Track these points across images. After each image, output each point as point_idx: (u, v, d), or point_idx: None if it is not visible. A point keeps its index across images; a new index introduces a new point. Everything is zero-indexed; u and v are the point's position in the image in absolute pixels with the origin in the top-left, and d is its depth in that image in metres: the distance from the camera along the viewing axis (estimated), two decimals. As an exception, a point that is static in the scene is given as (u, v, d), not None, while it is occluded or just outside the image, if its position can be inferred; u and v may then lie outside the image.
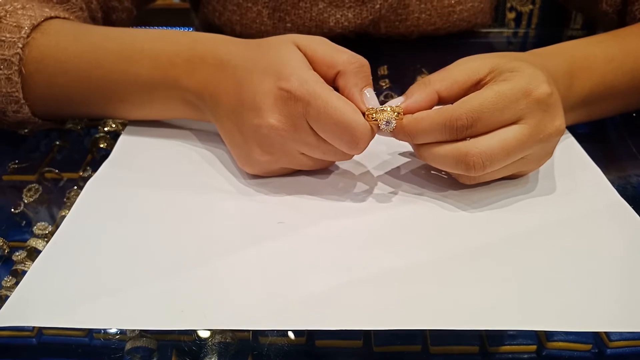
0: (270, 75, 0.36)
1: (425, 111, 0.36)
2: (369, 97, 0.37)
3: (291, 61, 0.36)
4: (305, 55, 0.37)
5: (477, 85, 0.37)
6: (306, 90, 0.35)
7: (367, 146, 0.36)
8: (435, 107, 0.37)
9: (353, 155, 0.38)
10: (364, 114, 0.36)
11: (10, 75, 0.43)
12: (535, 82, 0.36)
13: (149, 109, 0.45)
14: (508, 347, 0.30)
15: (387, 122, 0.36)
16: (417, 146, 0.38)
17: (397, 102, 0.38)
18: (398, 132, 0.37)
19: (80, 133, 0.48)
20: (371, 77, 0.38)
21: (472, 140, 0.35)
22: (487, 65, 0.37)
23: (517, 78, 0.36)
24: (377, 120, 0.36)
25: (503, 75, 0.36)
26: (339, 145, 0.36)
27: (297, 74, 0.36)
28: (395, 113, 0.36)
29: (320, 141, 0.36)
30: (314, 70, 0.37)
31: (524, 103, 0.35)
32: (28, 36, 0.43)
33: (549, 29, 0.74)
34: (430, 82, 0.38)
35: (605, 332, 0.30)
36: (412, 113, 0.37)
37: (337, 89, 0.37)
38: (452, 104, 0.36)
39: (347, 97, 0.37)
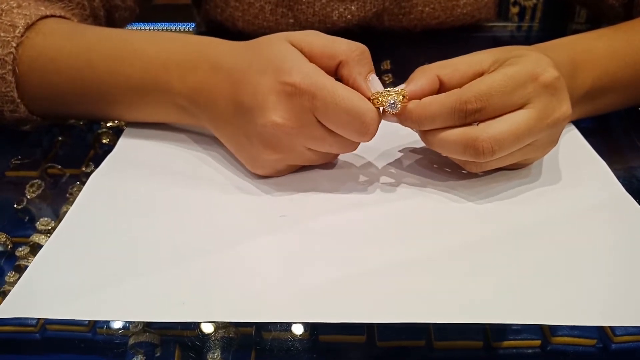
0: (269, 72, 0.36)
1: (432, 96, 0.36)
2: (374, 83, 0.37)
3: (288, 56, 0.36)
4: (301, 51, 0.37)
5: (479, 77, 0.37)
6: (310, 83, 0.34)
7: (375, 133, 0.36)
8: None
9: (357, 147, 0.38)
10: (369, 100, 0.36)
11: (4, 75, 0.43)
12: (542, 66, 0.35)
13: (141, 112, 0.44)
14: (512, 342, 0.30)
15: (391, 104, 0.36)
16: (424, 132, 0.37)
17: (398, 88, 0.37)
18: (405, 118, 0.37)
19: (82, 129, 0.48)
20: (372, 63, 0.38)
21: (482, 124, 0.35)
22: (490, 58, 0.37)
23: (524, 62, 0.36)
24: (383, 104, 0.36)
25: (508, 60, 0.36)
26: (348, 135, 0.36)
27: (298, 67, 0.35)
28: (400, 96, 0.36)
29: (327, 134, 0.36)
30: (314, 63, 0.37)
31: (532, 87, 0.35)
32: (22, 35, 0.43)
33: (553, 24, 0.74)
34: (431, 68, 0.38)
35: (610, 327, 0.30)
36: (416, 98, 0.37)
37: (339, 80, 0.37)
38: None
39: (352, 86, 0.36)
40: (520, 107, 0.35)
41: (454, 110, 0.35)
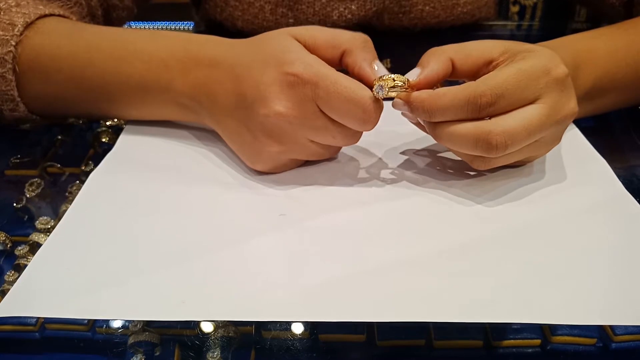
0: (272, 64, 0.36)
1: (446, 87, 0.36)
2: (379, 70, 0.37)
3: (291, 48, 0.36)
4: (305, 44, 0.37)
5: (489, 65, 0.37)
6: (313, 73, 0.35)
7: (377, 121, 0.36)
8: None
9: (359, 139, 0.38)
10: (371, 87, 0.36)
11: (4, 74, 0.43)
12: (553, 62, 0.36)
13: (142, 110, 0.44)
14: (512, 341, 0.30)
15: (379, 87, 0.36)
16: (433, 125, 0.37)
17: (413, 74, 0.37)
18: (416, 108, 0.36)
19: (82, 127, 0.48)
20: (375, 51, 0.38)
21: (494, 119, 0.35)
22: (500, 46, 0.37)
23: (536, 57, 0.36)
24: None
25: (520, 54, 0.36)
26: (350, 123, 0.36)
27: (301, 58, 0.35)
28: (398, 81, 0.36)
29: (330, 124, 0.36)
30: (319, 55, 0.37)
31: (544, 82, 0.35)
32: (21, 34, 0.43)
33: (553, 22, 0.74)
34: (444, 50, 0.38)
35: (610, 326, 0.30)
36: (431, 82, 0.37)
37: (344, 71, 0.37)
38: (465, 79, 0.37)
39: (357, 74, 0.37)
40: (532, 102, 0.35)
41: (467, 103, 0.34)
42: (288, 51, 0.36)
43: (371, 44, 0.38)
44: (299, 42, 0.37)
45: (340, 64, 0.38)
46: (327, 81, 0.35)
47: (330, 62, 0.37)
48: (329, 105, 0.35)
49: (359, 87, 0.35)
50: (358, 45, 0.37)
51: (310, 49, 0.37)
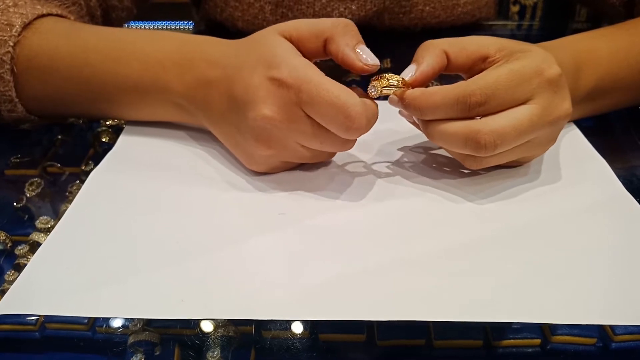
0: (260, 67, 0.36)
1: (437, 86, 0.36)
2: (364, 53, 0.37)
3: (278, 50, 0.36)
4: (291, 38, 0.37)
5: (484, 61, 0.37)
6: (297, 76, 0.34)
7: (364, 128, 0.35)
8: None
9: (351, 146, 0.38)
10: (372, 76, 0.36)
11: (2, 74, 0.43)
12: (547, 62, 0.35)
13: (140, 111, 0.44)
14: (512, 341, 0.30)
15: (372, 88, 0.36)
16: (425, 123, 0.37)
17: (410, 71, 0.37)
18: (407, 105, 0.36)
19: (82, 127, 0.48)
20: (360, 35, 0.38)
21: (484, 118, 0.35)
22: (496, 43, 0.37)
23: (530, 57, 0.36)
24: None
25: (515, 54, 0.36)
26: (335, 129, 0.35)
27: (286, 61, 0.35)
28: (392, 81, 0.36)
29: (316, 128, 0.36)
30: (305, 47, 0.37)
31: (536, 82, 0.35)
32: (19, 34, 0.43)
33: (553, 22, 0.74)
34: (437, 44, 0.38)
35: (610, 326, 0.30)
36: (429, 76, 0.37)
37: (333, 72, 0.37)
38: (459, 72, 0.37)
39: (342, 60, 0.37)
40: (524, 103, 0.35)
41: (457, 102, 0.34)
42: (274, 54, 0.36)
43: (354, 28, 0.38)
44: (285, 37, 0.37)
45: (327, 54, 0.38)
46: (311, 84, 0.34)
47: (315, 53, 0.37)
48: (313, 109, 0.35)
49: (344, 92, 0.34)
50: (339, 31, 0.37)
51: (295, 43, 0.37)
